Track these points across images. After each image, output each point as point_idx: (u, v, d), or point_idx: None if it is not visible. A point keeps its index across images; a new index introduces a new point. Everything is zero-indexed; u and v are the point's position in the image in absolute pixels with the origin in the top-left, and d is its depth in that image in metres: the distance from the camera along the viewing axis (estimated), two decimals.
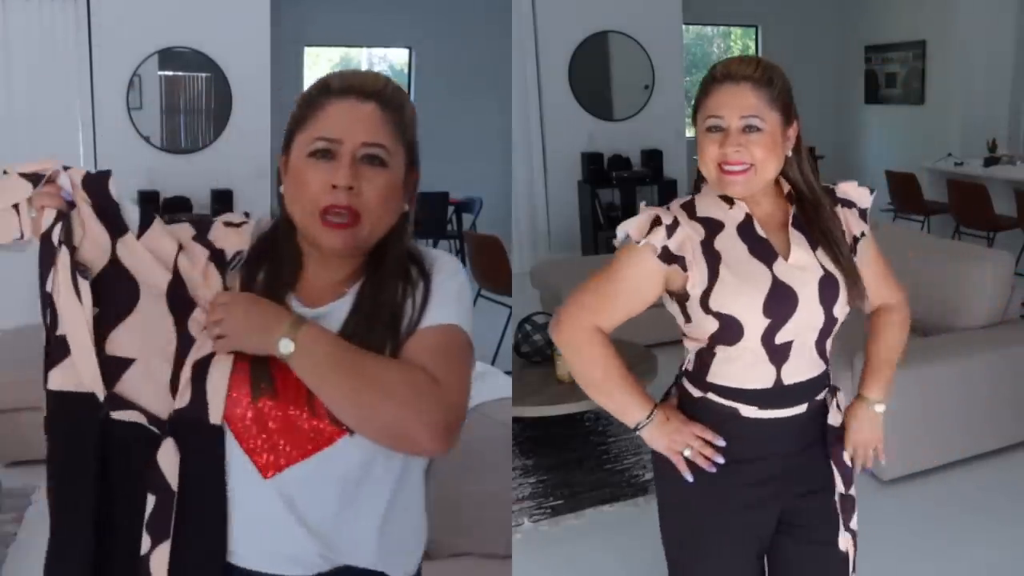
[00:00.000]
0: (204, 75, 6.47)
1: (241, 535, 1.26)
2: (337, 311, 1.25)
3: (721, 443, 1.48)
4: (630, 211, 7.19)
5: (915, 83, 9.77)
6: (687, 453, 1.49)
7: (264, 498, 1.23)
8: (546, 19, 7.25)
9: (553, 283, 5.05)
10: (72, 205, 1.23)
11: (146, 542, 1.23)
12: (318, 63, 9.78)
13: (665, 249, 1.42)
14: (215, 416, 1.21)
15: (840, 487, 1.57)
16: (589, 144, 7.49)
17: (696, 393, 1.52)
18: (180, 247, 1.28)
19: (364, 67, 10.36)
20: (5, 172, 1.22)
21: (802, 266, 1.44)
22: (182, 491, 1.22)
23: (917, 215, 7.50)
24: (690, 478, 1.50)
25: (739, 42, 11.50)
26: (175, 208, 6.20)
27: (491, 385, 3.20)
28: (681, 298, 1.46)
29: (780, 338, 1.43)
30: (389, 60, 10.37)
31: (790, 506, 1.55)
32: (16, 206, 1.22)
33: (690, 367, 1.54)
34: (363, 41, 9.97)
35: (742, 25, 11.09)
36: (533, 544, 2.96)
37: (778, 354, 1.45)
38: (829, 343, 1.52)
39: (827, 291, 1.45)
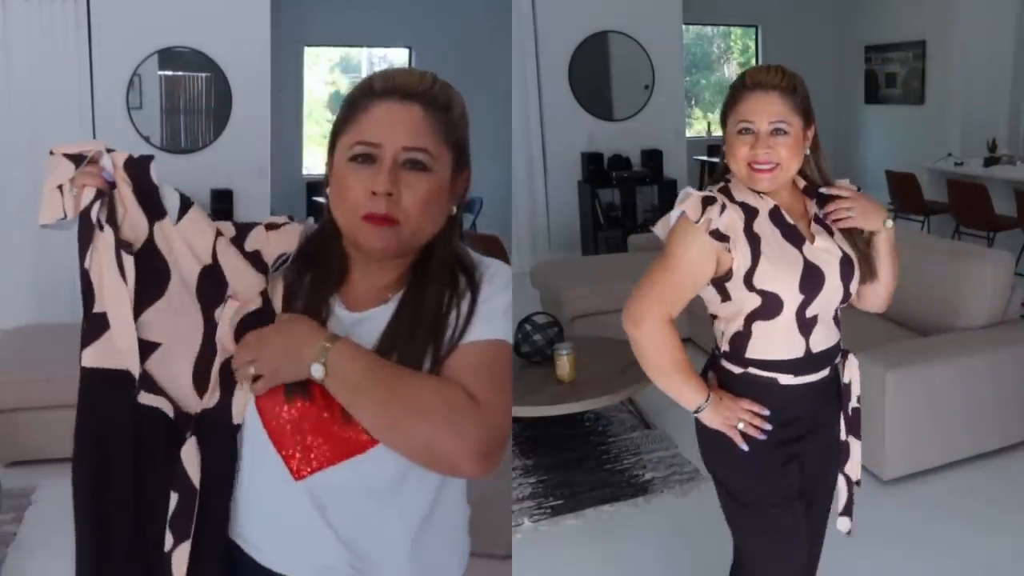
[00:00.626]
0: (204, 75, 6.47)
1: (274, 539, 1.26)
2: (379, 316, 1.22)
3: (766, 412, 1.66)
4: (630, 211, 7.17)
5: (915, 83, 9.77)
6: (740, 427, 1.67)
7: (295, 501, 1.22)
8: (546, 19, 7.25)
9: (553, 283, 5.04)
10: (113, 185, 1.25)
11: (169, 539, 1.23)
12: (318, 63, 9.78)
13: (716, 229, 1.57)
14: (237, 416, 1.22)
15: (842, 435, 1.80)
16: (589, 144, 7.48)
17: (737, 370, 1.70)
18: (219, 233, 1.28)
19: (364, 67, 10.37)
20: (51, 153, 1.25)
21: (826, 249, 1.65)
22: (202, 490, 1.23)
23: (917, 215, 7.50)
24: (745, 447, 1.67)
25: (739, 42, 11.50)
26: None
27: None
28: (721, 279, 1.61)
29: (809, 312, 1.64)
30: (389, 60, 10.37)
31: (812, 460, 1.77)
32: (60, 187, 1.24)
33: (727, 348, 1.70)
34: (363, 41, 9.96)
35: (742, 25, 11.09)
36: (533, 544, 2.96)
37: (807, 326, 1.65)
38: (839, 313, 1.75)
39: (846, 270, 1.67)
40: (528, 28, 7.19)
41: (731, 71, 11.41)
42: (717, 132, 10.55)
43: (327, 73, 9.99)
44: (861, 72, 10.53)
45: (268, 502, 1.25)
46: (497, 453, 1.14)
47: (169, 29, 6.22)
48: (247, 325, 1.24)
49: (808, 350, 1.68)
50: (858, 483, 1.86)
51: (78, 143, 1.26)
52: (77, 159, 1.24)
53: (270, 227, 1.33)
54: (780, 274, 1.59)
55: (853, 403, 1.80)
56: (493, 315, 1.21)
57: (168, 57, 6.34)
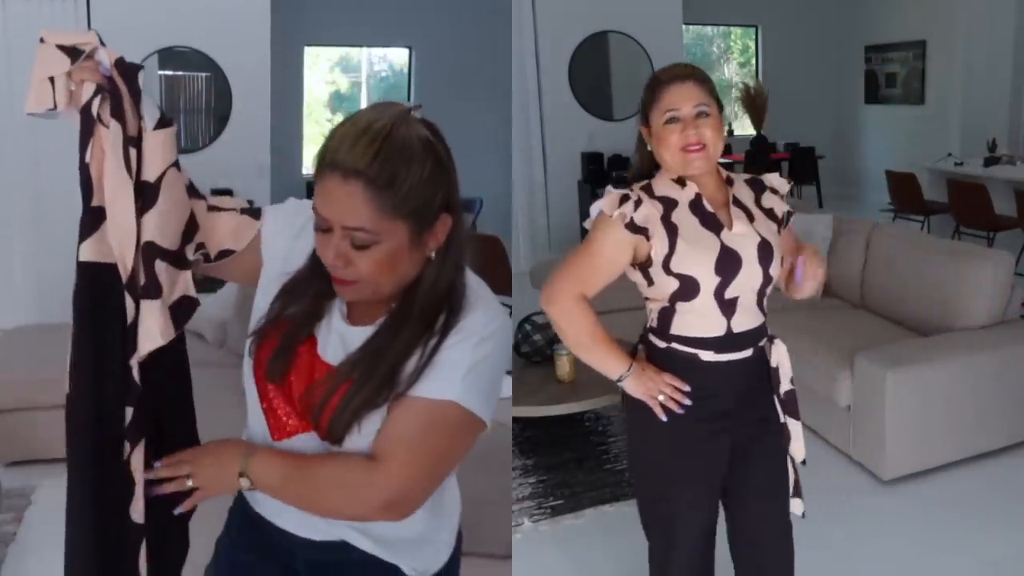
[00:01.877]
0: (204, 75, 6.47)
1: (261, 496, 1.36)
2: (356, 336, 1.29)
3: (686, 388, 1.78)
4: None
5: (915, 83, 9.77)
6: (660, 398, 1.78)
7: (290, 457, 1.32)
8: (546, 19, 7.24)
9: None
10: (110, 81, 1.26)
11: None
12: (318, 63, 9.77)
13: (632, 221, 1.72)
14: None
15: (782, 417, 1.90)
16: (589, 144, 7.48)
17: (661, 344, 1.82)
18: (175, 165, 1.31)
19: (364, 67, 10.36)
20: (43, 41, 1.25)
21: (743, 234, 1.76)
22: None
23: (917, 215, 7.50)
24: (664, 418, 1.79)
25: (739, 42, 11.49)
26: None
27: None
28: (644, 265, 1.76)
29: (729, 293, 1.74)
30: (389, 60, 10.37)
31: (740, 438, 1.86)
32: (52, 78, 1.26)
33: (654, 324, 1.84)
34: (363, 41, 9.96)
35: (742, 25, 11.09)
36: (533, 544, 2.96)
37: (728, 307, 1.75)
38: (765, 299, 1.82)
39: (763, 254, 1.76)
40: (528, 28, 7.19)
41: (731, 71, 11.41)
42: None
43: (327, 73, 9.99)
44: (861, 72, 10.53)
45: None
46: (403, 503, 1.26)
47: (169, 29, 6.22)
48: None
49: (729, 329, 1.77)
50: (803, 463, 1.95)
51: (71, 33, 1.26)
52: (71, 52, 1.24)
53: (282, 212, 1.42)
54: (696, 258, 1.71)
55: (786, 386, 1.89)
56: (451, 371, 1.22)
57: (168, 57, 6.34)
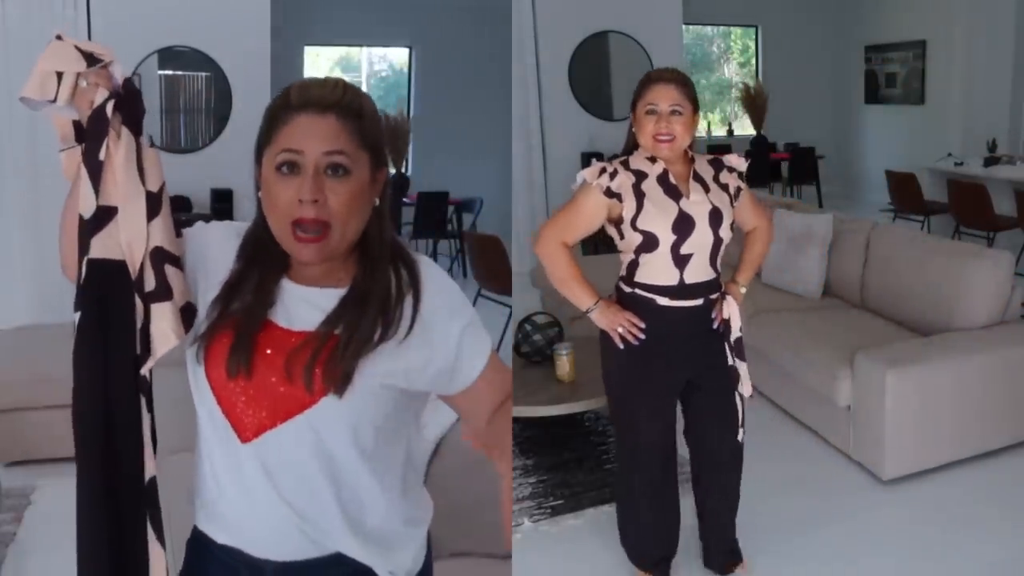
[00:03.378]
0: (204, 75, 6.47)
1: (225, 510, 1.34)
2: (332, 295, 1.30)
3: (642, 324, 2.25)
4: None
5: (915, 83, 9.77)
6: (620, 330, 2.26)
7: (243, 465, 1.30)
8: (546, 19, 7.24)
9: None
10: (118, 93, 1.32)
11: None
12: (318, 63, 9.79)
13: (608, 188, 2.20)
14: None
15: (730, 360, 2.37)
16: (589, 144, 7.48)
17: (627, 290, 2.29)
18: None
19: (364, 66, 10.38)
20: (59, 38, 1.30)
21: (697, 203, 2.22)
22: None
23: (917, 215, 7.50)
24: (621, 346, 2.27)
25: (739, 42, 11.50)
26: (175, 207, 6.18)
27: None
28: (617, 222, 2.23)
29: (684, 250, 2.20)
30: (389, 60, 10.37)
31: (696, 374, 2.38)
32: (60, 73, 1.29)
33: (623, 273, 2.31)
34: (363, 41, 9.97)
35: (742, 25, 11.10)
36: (533, 544, 2.96)
37: (681, 262, 2.22)
38: (719, 259, 2.28)
39: (714, 219, 2.22)
40: (528, 28, 7.18)
41: (731, 71, 11.42)
42: (717, 132, 10.56)
43: (327, 72, 9.99)
44: (861, 72, 10.53)
45: (217, 469, 1.33)
46: None
47: (169, 29, 6.22)
48: None
49: (682, 280, 2.23)
50: (751, 396, 2.44)
51: (89, 42, 1.32)
52: (88, 56, 1.30)
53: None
54: (657, 219, 2.18)
55: (735, 334, 2.35)
56: (471, 330, 1.34)
57: (168, 57, 6.34)
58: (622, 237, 2.24)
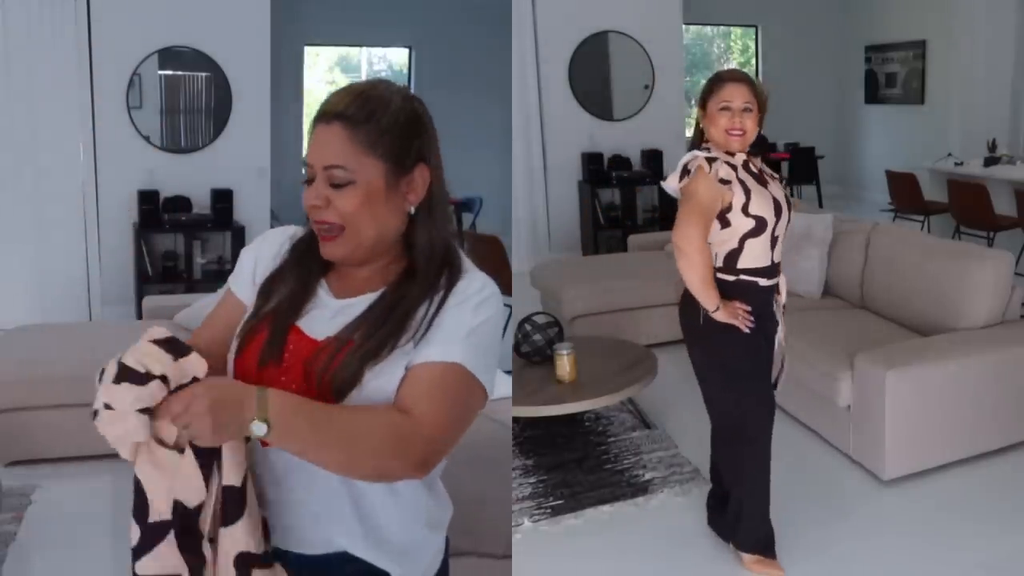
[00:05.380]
0: (204, 74, 6.47)
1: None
2: (362, 305, 1.30)
3: (750, 309, 2.40)
4: (630, 211, 7.21)
5: (915, 83, 9.77)
6: (739, 319, 2.39)
7: (264, 462, 1.30)
8: (546, 19, 7.24)
9: (553, 283, 5.04)
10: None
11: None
12: (318, 63, 9.78)
13: (721, 177, 2.33)
14: None
15: (781, 327, 2.59)
16: (589, 144, 7.48)
17: (731, 279, 2.43)
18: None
19: (364, 67, 10.37)
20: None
21: (776, 189, 2.45)
22: None
23: (917, 215, 7.50)
24: (747, 331, 2.40)
25: (739, 42, 11.50)
26: (175, 207, 6.20)
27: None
28: (723, 212, 2.35)
29: (776, 232, 2.42)
30: (389, 60, 10.37)
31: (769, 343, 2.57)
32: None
33: (719, 263, 2.42)
34: (363, 41, 9.96)
35: (742, 25, 11.09)
36: (533, 544, 2.96)
37: (774, 243, 2.43)
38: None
39: (788, 203, 2.46)
40: (528, 28, 7.18)
41: None
42: None
43: (327, 73, 9.99)
44: (861, 72, 10.52)
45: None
46: (435, 460, 1.27)
47: (169, 29, 6.22)
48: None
49: (772, 260, 2.45)
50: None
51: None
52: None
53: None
54: (763, 204, 2.36)
55: (784, 299, 2.57)
56: (453, 334, 1.27)
57: (168, 57, 6.34)
58: (727, 225, 2.36)
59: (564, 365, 3.47)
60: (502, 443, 2.95)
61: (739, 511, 2.64)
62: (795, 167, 9.22)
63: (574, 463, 3.52)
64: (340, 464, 1.20)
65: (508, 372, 3.62)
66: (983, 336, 3.44)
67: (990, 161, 7.23)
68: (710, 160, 2.32)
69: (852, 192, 10.60)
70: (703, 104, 2.43)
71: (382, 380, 1.25)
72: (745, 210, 2.33)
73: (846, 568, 2.76)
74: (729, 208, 2.34)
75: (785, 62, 10.58)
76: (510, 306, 5.27)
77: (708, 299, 2.38)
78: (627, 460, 3.51)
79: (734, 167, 2.36)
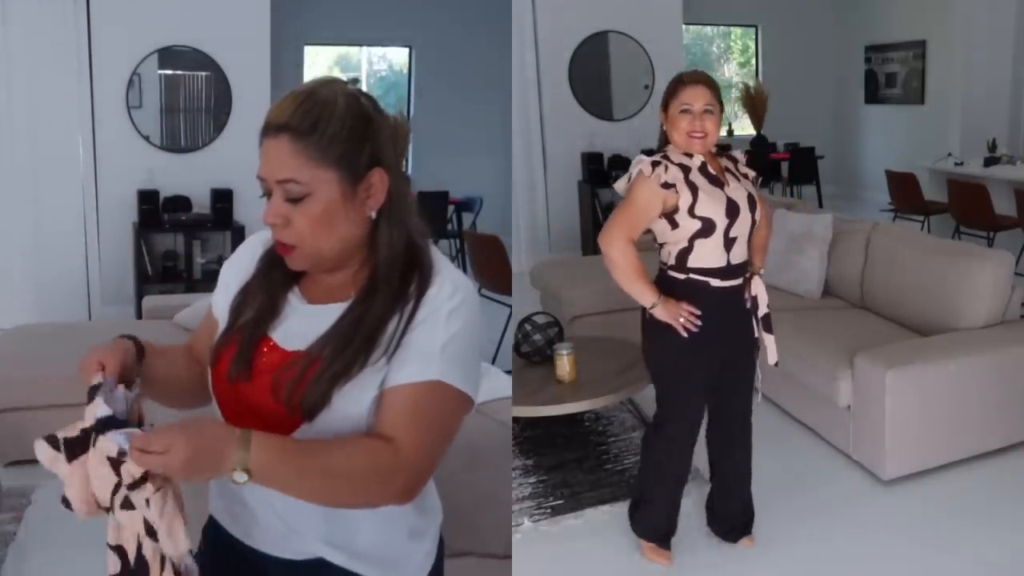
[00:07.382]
0: (204, 74, 6.47)
1: (227, 507, 1.38)
2: (334, 313, 1.28)
3: (699, 312, 2.41)
4: None
5: (915, 83, 9.77)
6: (681, 320, 2.40)
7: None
8: (546, 19, 7.24)
9: (553, 283, 5.04)
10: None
11: None
12: (318, 62, 9.78)
13: (664, 181, 2.34)
14: None
15: (757, 332, 2.58)
16: (589, 144, 7.48)
17: (680, 277, 2.44)
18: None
19: (364, 67, 10.37)
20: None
21: (736, 190, 2.43)
22: None
23: (917, 215, 7.49)
24: (685, 335, 2.41)
25: (739, 42, 11.49)
26: (175, 207, 6.20)
27: (491, 385, 3.19)
28: (670, 213, 2.37)
29: (731, 233, 2.39)
30: (389, 60, 10.37)
31: (731, 353, 2.56)
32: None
33: (672, 262, 2.45)
34: (363, 41, 9.96)
35: (742, 25, 11.09)
36: (533, 544, 2.95)
37: (729, 244, 2.41)
38: (749, 240, 2.48)
39: (750, 204, 2.44)
40: (528, 28, 7.18)
41: (731, 71, 11.41)
42: None
43: (327, 72, 9.99)
44: (861, 72, 10.53)
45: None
46: (421, 486, 1.25)
47: (169, 28, 6.22)
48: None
49: (728, 261, 2.43)
50: (776, 364, 2.63)
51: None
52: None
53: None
54: (712, 205, 2.36)
55: (763, 310, 2.55)
56: (427, 350, 1.23)
57: (168, 56, 6.34)
58: (675, 226, 2.38)
59: (564, 365, 3.47)
60: (502, 443, 2.95)
61: (640, 498, 2.78)
62: (795, 167, 9.22)
63: (574, 463, 3.51)
64: (323, 500, 1.22)
65: (508, 372, 3.62)
66: (983, 336, 3.44)
67: (990, 161, 7.23)
68: (655, 164, 2.35)
69: (852, 192, 10.60)
70: (665, 107, 2.43)
71: (353, 398, 1.23)
72: (691, 211, 2.35)
73: (846, 568, 2.76)
74: (676, 210, 2.36)
75: (785, 62, 10.58)
76: (510, 306, 5.28)
77: (640, 296, 2.43)
78: (627, 460, 3.51)
79: (688, 169, 2.38)
